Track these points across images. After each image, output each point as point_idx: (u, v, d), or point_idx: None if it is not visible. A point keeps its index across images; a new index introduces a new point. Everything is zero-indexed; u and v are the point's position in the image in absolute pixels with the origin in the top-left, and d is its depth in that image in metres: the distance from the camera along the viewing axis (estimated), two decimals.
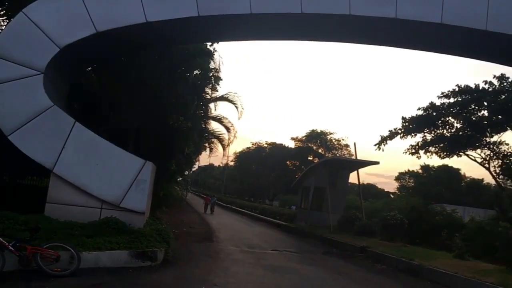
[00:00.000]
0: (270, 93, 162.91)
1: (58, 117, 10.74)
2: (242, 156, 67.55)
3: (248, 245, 16.45)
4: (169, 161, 16.88)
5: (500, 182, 26.31)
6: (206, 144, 25.60)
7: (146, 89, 15.16)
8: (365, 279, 12.25)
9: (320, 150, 57.38)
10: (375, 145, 26.26)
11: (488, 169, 25.43)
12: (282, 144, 64.51)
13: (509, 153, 24.59)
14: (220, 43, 17.40)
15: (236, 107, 23.14)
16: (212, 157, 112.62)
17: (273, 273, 11.09)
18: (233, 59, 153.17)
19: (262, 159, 62.30)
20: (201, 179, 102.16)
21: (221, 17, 11.66)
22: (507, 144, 24.84)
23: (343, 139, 57.84)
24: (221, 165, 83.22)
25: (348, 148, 56.02)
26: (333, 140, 57.90)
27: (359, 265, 14.44)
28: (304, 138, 59.66)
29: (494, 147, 24.76)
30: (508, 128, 23.49)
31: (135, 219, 10.73)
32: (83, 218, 10.23)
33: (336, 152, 56.49)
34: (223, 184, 75.82)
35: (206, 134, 23.84)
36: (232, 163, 72.79)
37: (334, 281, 11.36)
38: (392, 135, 25.63)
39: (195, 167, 46.43)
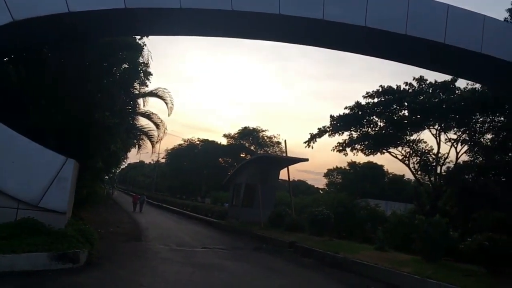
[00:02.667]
0: (203, 91, 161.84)
1: None
2: (173, 153, 66.62)
3: (178, 244, 16.20)
4: (94, 159, 16.20)
5: (419, 178, 28.00)
6: (135, 141, 24.86)
7: (70, 83, 14.40)
8: (293, 272, 12.53)
9: (252, 147, 58.01)
10: (305, 142, 26.87)
11: (408, 165, 27.00)
12: (214, 141, 64.35)
13: (426, 151, 26.28)
14: (150, 37, 17.00)
15: (166, 103, 22.70)
16: (142, 154, 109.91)
17: (202, 270, 11.00)
18: (164, 54, 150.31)
19: (194, 156, 61.86)
20: (131, 177, 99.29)
21: (149, 10, 11.38)
22: (425, 142, 26.60)
23: (275, 137, 58.94)
24: (152, 162, 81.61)
25: (280, 146, 57.20)
26: (265, 138, 58.77)
27: (287, 260, 14.73)
28: (236, 135, 60.01)
29: (413, 145, 26.36)
30: (426, 127, 25.12)
31: (55, 219, 10.16)
32: None
33: (268, 149, 57.38)
34: (154, 182, 74.22)
35: (135, 131, 23.13)
36: (163, 160, 71.58)
37: (263, 276, 11.50)
38: (321, 133, 26.35)
39: (124, 164, 45.07)
